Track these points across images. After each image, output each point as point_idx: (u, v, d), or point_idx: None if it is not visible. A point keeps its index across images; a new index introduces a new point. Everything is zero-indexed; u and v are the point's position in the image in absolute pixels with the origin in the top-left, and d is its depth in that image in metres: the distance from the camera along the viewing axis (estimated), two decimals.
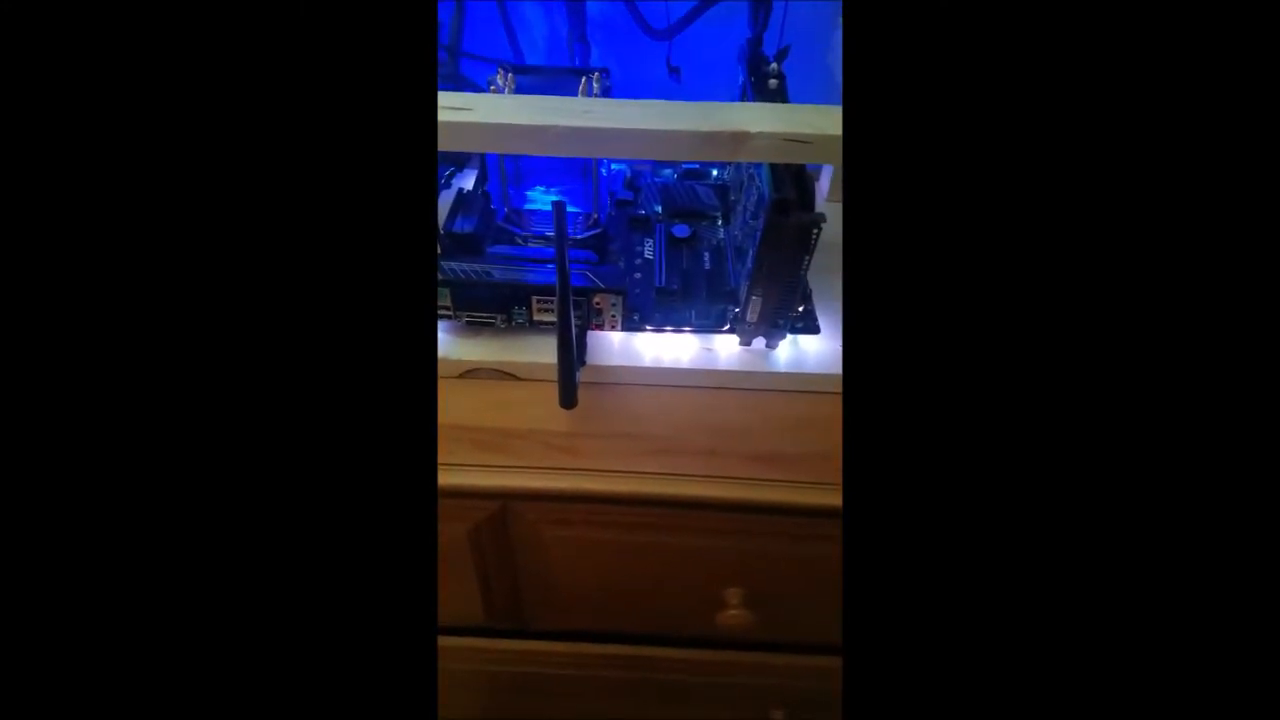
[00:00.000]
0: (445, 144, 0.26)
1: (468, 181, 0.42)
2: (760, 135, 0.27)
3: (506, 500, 0.33)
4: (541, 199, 0.38)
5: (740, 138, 0.27)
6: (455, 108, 0.26)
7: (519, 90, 0.34)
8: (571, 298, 0.30)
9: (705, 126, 0.26)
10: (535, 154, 0.33)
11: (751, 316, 0.34)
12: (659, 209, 0.41)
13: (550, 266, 0.34)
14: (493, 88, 0.34)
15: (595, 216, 0.38)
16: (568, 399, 0.31)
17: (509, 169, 0.36)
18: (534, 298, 0.34)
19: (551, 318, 0.34)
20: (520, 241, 0.38)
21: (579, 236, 0.38)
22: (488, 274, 0.34)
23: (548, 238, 0.37)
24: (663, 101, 0.28)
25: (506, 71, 0.34)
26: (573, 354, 0.30)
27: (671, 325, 0.35)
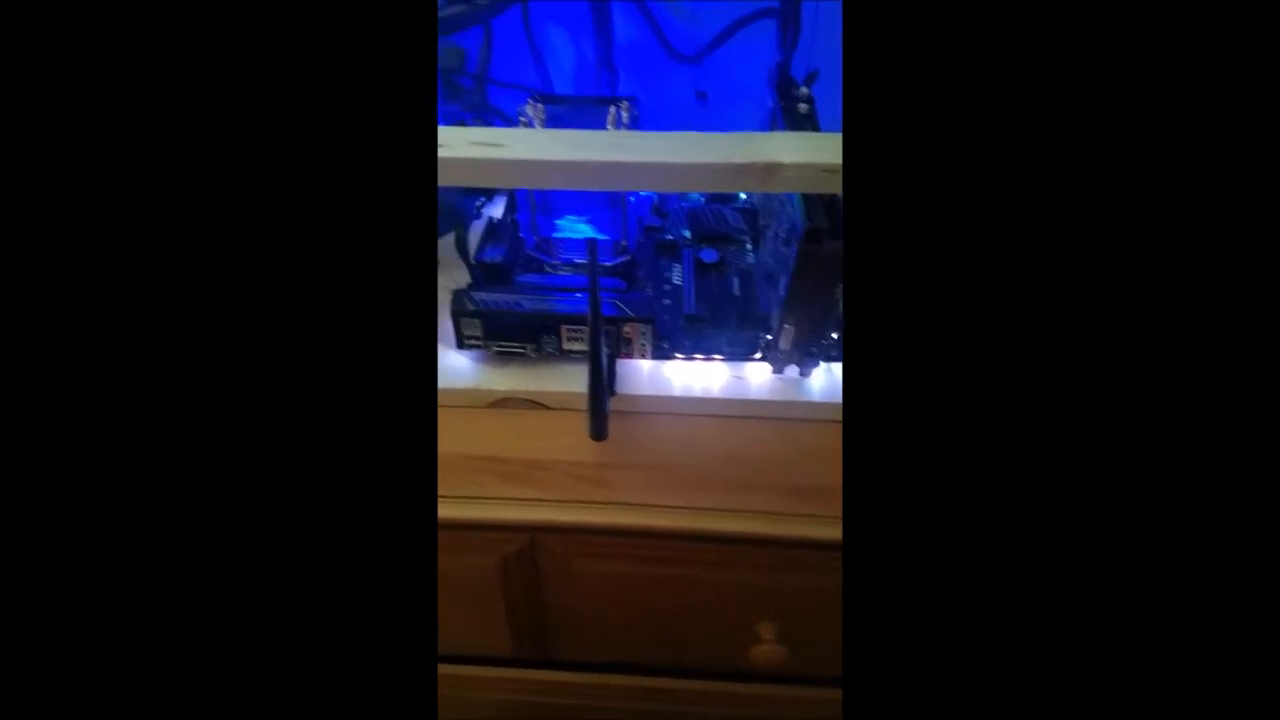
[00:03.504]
0: (479, 180, 0.26)
1: (497, 210, 0.42)
2: (793, 166, 0.26)
3: (535, 533, 0.33)
4: (571, 227, 0.38)
5: (772, 169, 0.26)
6: (488, 144, 0.26)
7: (549, 120, 0.34)
8: (603, 329, 0.30)
9: (736, 158, 0.26)
10: (567, 188, 0.33)
11: (784, 344, 0.33)
12: (686, 234, 0.41)
13: (580, 295, 0.34)
14: (523, 119, 0.34)
15: (624, 244, 0.38)
16: (599, 431, 0.30)
17: (538, 198, 0.36)
18: (564, 327, 0.33)
19: (581, 346, 0.34)
20: (549, 270, 0.38)
21: (607, 264, 0.38)
22: (518, 304, 0.33)
23: (577, 265, 0.37)
24: (693, 134, 0.27)
25: (537, 102, 0.34)
26: (604, 387, 0.30)
27: (701, 353, 0.35)
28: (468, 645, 0.40)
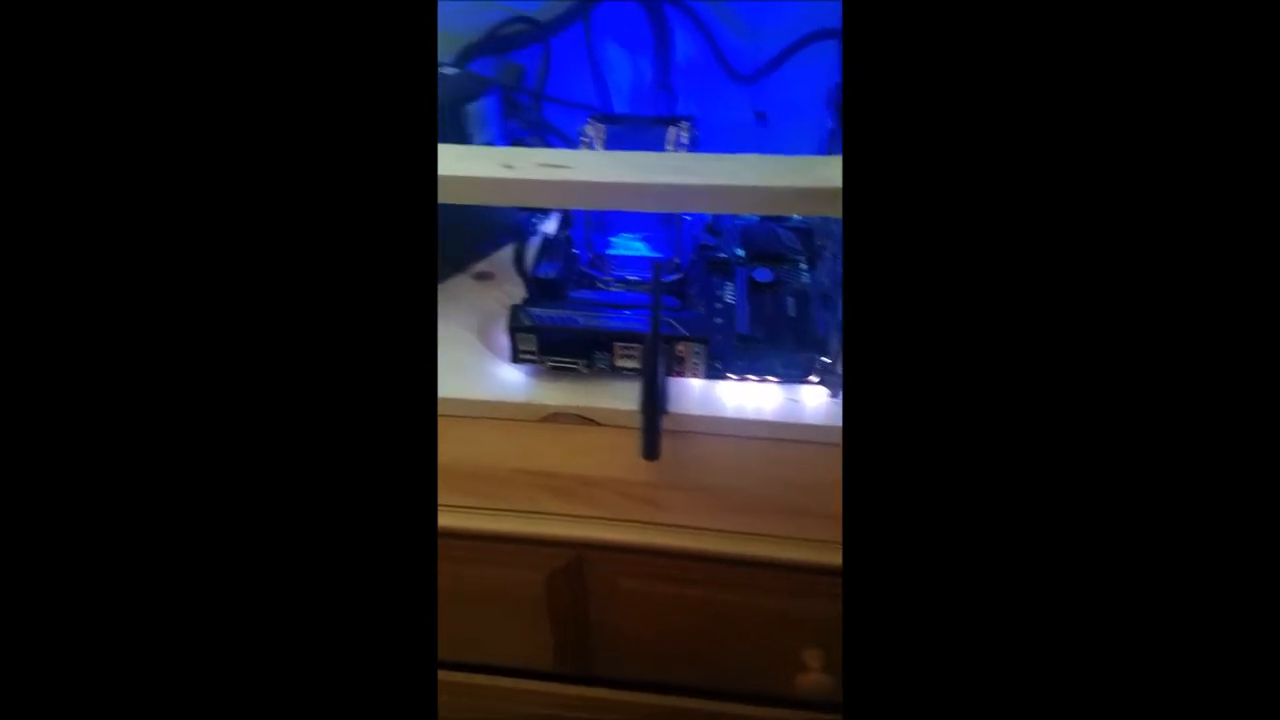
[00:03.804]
0: (545, 201, 0.26)
1: (551, 226, 0.43)
2: None
3: (583, 550, 0.33)
4: (625, 245, 0.38)
5: (840, 193, 0.26)
6: (555, 165, 0.27)
7: (609, 140, 0.34)
8: (661, 349, 0.30)
9: (803, 183, 0.26)
10: (632, 210, 0.33)
11: (842, 367, 0.32)
12: (740, 252, 0.41)
13: (632, 312, 0.34)
14: (584, 139, 0.34)
15: (676, 261, 0.38)
16: (651, 450, 0.30)
17: (593, 215, 0.37)
18: (617, 344, 0.34)
19: (633, 364, 0.34)
20: (602, 286, 0.38)
21: (661, 281, 0.38)
22: (572, 320, 0.34)
23: (629, 282, 0.38)
24: (757, 156, 0.27)
25: (597, 122, 0.35)
26: (659, 406, 0.29)
27: (755, 374, 0.34)
28: (510, 657, 0.40)
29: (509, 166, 0.27)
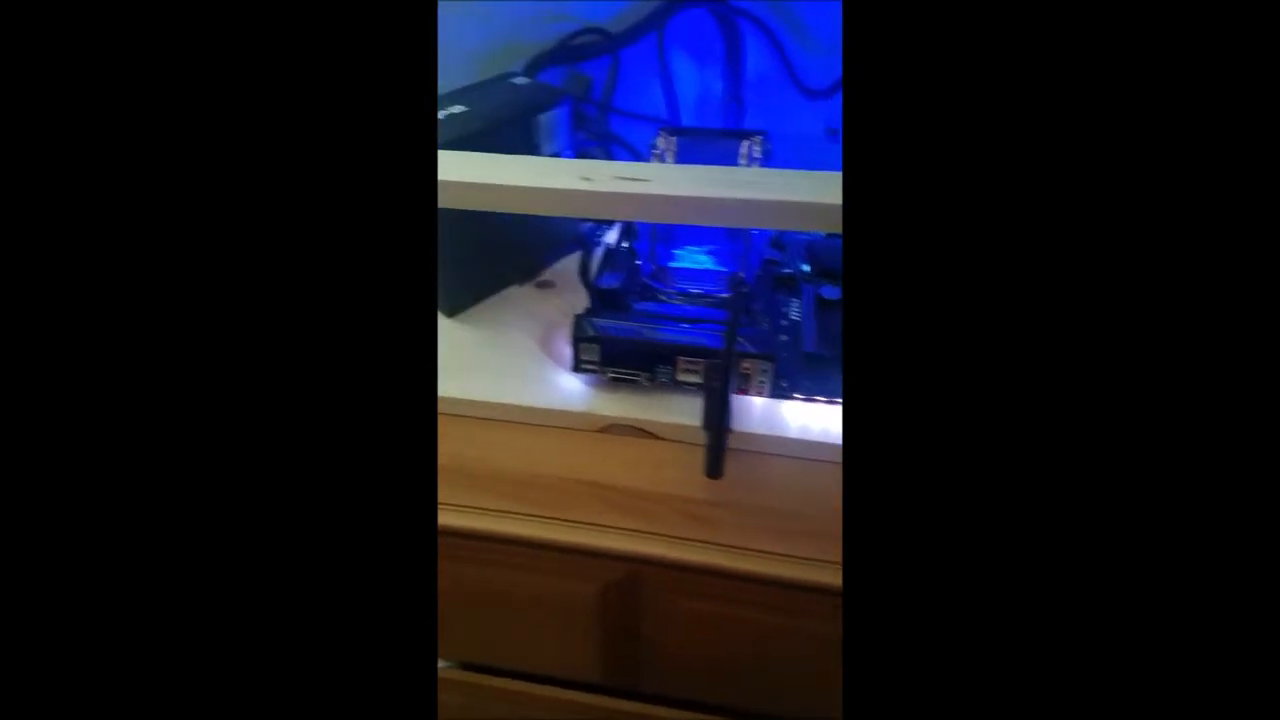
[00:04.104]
0: (622, 214, 0.26)
1: (613, 236, 0.43)
2: None
3: (639, 565, 0.32)
4: (690, 258, 0.38)
5: None
6: (632, 178, 0.26)
7: (680, 153, 0.34)
8: (732, 367, 0.29)
9: None
10: (709, 225, 0.33)
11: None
12: (806, 268, 0.40)
13: (697, 326, 0.34)
14: (655, 152, 0.34)
15: (742, 276, 0.37)
16: (715, 468, 0.30)
17: (660, 227, 0.37)
18: (680, 358, 0.33)
19: (695, 378, 0.33)
20: (665, 298, 0.38)
21: (723, 295, 0.37)
22: (637, 331, 0.34)
23: (692, 295, 0.37)
24: (835, 173, 0.27)
25: (669, 135, 0.35)
26: (726, 425, 0.29)
27: (824, 395, 0.33)
28: (556, 667, 0.40)
29: (587, 179, 0.27)
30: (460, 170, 0.28)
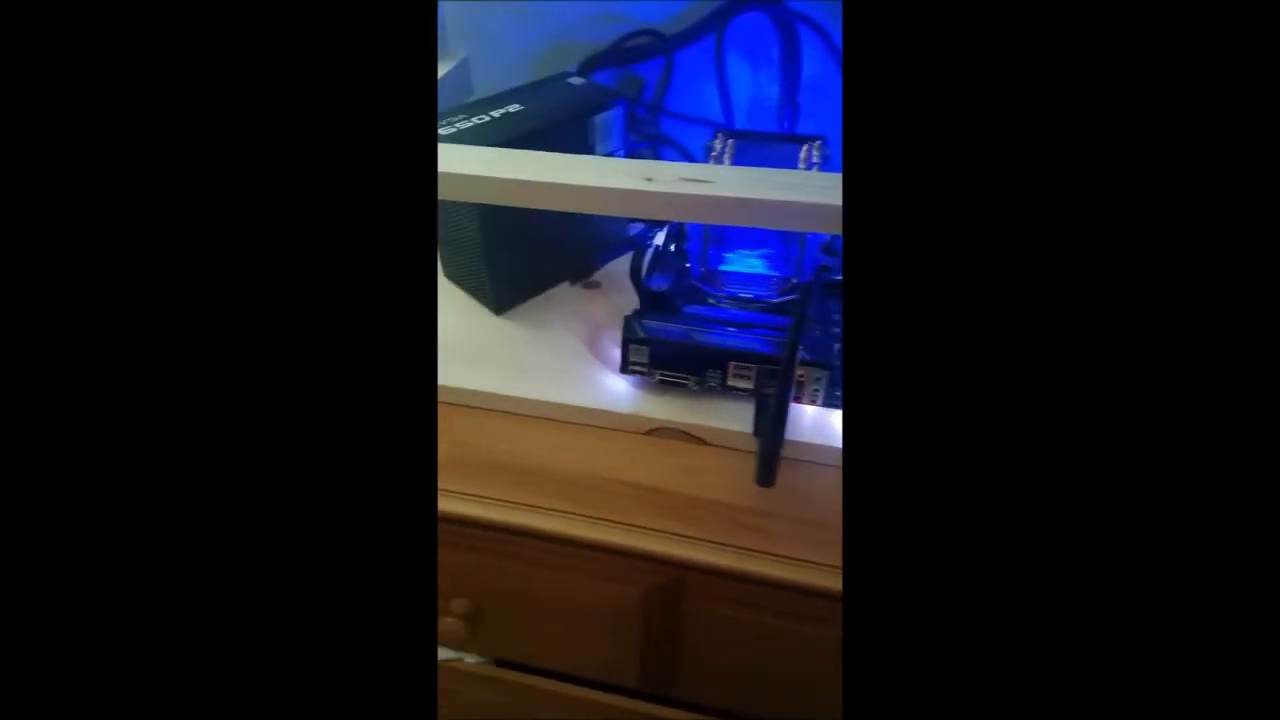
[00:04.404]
0: (684, 215, 0.26)
1: (661, 237, 0.42)
2: None
3: (685, 571, 0.32)
4: (740, 261, 0.37)
5: None
6: (696, 179, 0.26)
7: (737, 156, 0.34)
8: (792, 373, 0.29)
9: None
10: (773, 228, 0.33)
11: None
12: None
13: (749, 331, 0.33)
14: (713, 154, 0.34)
15: (794, 280, 0.37)
16: (767, 477, 0.29)
17: (713, 229, 0.36)
18: (732, 363, 0.33)
19: (746, 384, 0.33)
20: (714, 302, 0.37)
21: (774, 300, 0.37)
22: (689, 335, 0.33)
23: (743, 300, 0.37)
24: None
25: (726, 137, 0.34)
26: (781, 433, 0.29)
27: None
28: (592, 668, 0.40)
29: (650, 180, 0.27)
30: (522, 169, 0.28)
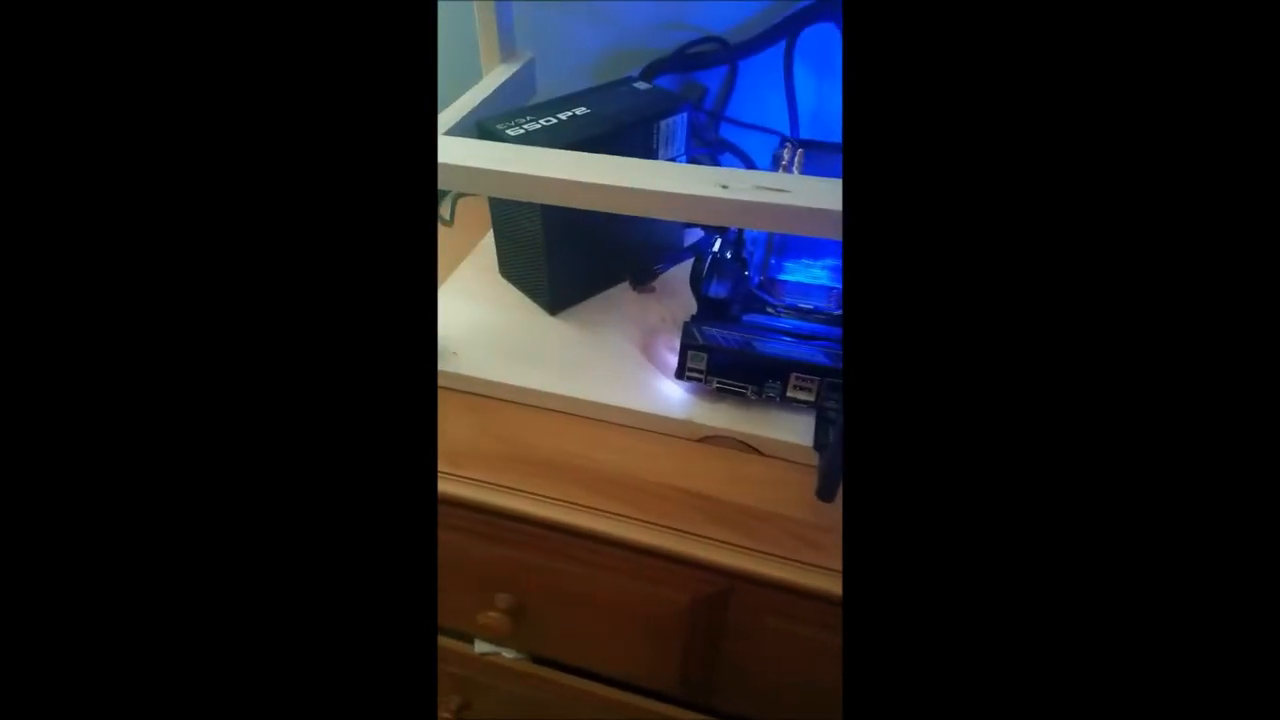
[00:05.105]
0: (758, 224, 0.26)
1: (717, 244, 0.42)
2: None
3: (736, 580, 0.32)
4: (801, 270, 0.37)
5: None
6: (774, 188, 0.26)
7: (806, 165, 0.34)
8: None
9: None
10: (837, 237, 0.32)
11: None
12: None
13: (810, 343, 0.33)
14: (781, 163, 0.34)
15: None
16: (828, 492, 0.29)
17: (776, 238, 0.36)
18: (794, 374, 0.33)
19: (807, 396, 0.33)
20: (772, 311, 0.37)
21: (834, 313, 0.37)
22: (749, 343, 0.33)
23: (803, 310, 0.37)
24: None
25: (795, 147, 0.34)
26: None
27: None
28: (633, 672, 0.40)
29: (724, 186, 0.27)
30: (596, 173, 0.28)
